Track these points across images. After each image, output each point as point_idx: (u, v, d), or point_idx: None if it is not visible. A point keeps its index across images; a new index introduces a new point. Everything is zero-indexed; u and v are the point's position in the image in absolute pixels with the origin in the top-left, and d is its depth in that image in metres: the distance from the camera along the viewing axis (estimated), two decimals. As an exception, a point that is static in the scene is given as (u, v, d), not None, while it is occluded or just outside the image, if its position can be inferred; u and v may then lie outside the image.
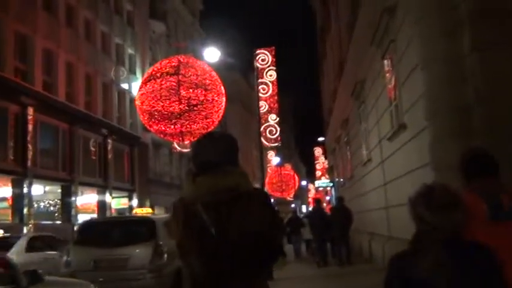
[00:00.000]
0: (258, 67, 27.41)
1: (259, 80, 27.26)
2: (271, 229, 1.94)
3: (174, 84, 9.48)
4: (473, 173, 2.49)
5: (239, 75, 48.78)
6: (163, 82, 9.56)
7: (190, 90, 9.43)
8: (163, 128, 10.15)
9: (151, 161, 28.97)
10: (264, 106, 26.67)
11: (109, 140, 23.27)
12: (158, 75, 9.96)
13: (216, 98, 9.79)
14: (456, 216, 1.81)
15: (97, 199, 22.87)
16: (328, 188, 32.60)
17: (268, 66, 26.85)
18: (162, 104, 9.49)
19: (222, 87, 10.31)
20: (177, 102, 9.41)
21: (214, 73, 10.32)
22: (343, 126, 16.02)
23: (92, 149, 22.24)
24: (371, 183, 11.12)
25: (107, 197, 22.96)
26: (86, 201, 22.98)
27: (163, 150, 30.39)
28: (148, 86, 9.97)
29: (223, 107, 10.21)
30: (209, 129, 9.85)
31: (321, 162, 51.04)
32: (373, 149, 10.45)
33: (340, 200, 13.01)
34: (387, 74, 8.20)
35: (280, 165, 44.15)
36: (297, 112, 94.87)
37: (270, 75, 26.87)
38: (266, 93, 26.83)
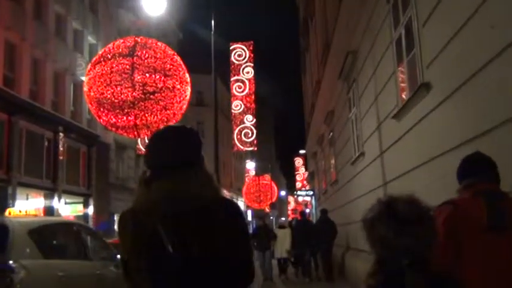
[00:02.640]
0: (233, 63, 25.10)
1: (235, 78, 24.88)
2: (242, 247, 1.71)
3: (128, 67, 8.19)
4: (468, 172, 2.29)
5: (217, 78, 46.19)
6: (114, 64, 8.27)
7: (147, 75, 8.17)
8: (113, 120, 8.69)
9: (113, 164, 26.13)
10: (239, 106, 24.17)
11: (60, 137, 20.37)
12: (109, 56, 8.59)
13: (178, 86, 8.51)
14: (426, 234, 1.50)
15: (43, 204, 19.88)
16: (308, 199, 30.05)
17: (246, 62, 24.40)
18: (112, 90, 8.15)
19: (187, 75, 8.96)
20: (130, 89, 8.10)
21: (178, 58, 8.72)
22: (327, 121, 13.54)
23: (43, 145, 19.35)
24: (362, 185, 8.62)
25: (55, 202, 20.00)
26: (31, 206, 20.00)
27: (128, 152, 27.60)
28: (97, 69, 8.58)
29: (188, 97, 8.86)
30: (169, 123, 8.62)
31: (301, 173, 49.05)
32: (368, 139, 7.97)
33: (324, 212, 12.62)
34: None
35: (258, 174, 41.90)
36: (278, 123, 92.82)
37: (247, 72, 24.39)
38: (242, 91, 24.33)
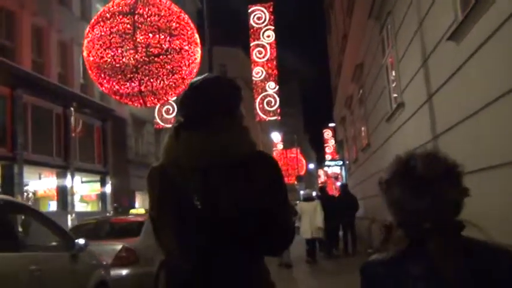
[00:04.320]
0: (253, 26, 23.31)
1: (254, 43, 23.11)
2: (277, 205, 1.58)
3: (129, 27, 7.41)
4: None
5: (238, 47, 44.30)
6: (113, 24, 7.51)
7: (150, 35, 7.38)
8: (116, 87, 7.91)
9: (131, 139, 24.93)
10: (260, 73, 22.44)
11: (71, 112, 19.18)
12: (108, 15, 7.78)
13: (186, 47, 7.67)
14: (449, 193, 1.29)
15: (56, 184, 18.81)
16: (337, 170, 28.30)
17: (266, 26, 22.57)
18: (112, 53, 7.41)
19: (196, 35, 8.15)
20: (132, 51, 7.34)
21: (185, 16, 8.06)
22: (355, 77, 11.76)
23: (52, 121, 18.23)
24: (402, 145, 6.94)
25: (68, 181, 18.90)
26: (44, 185, 19.05)
27: (147, 127, 26.32)
28: (95, 30, 7.84)
29: (198, 60, 8.05)
30: (178, 89, 7.89)
31: (331, 146, 47.19)
32: (409, 84, 6.26)
33: (344, 186, 12.97)
34: None
35: (286, 148, 40.58)
36: (306, 95, 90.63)
37: (268, 36, 22.56)
38: (263, 57, 22.54)
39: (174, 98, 18.60)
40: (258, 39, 22.66)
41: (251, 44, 22.86)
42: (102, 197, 21.85)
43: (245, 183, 1.53)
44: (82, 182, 21.16)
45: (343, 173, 22.65)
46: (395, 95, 7.28)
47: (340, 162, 21.72)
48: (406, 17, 6.11)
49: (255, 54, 22.85)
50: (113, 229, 6.92)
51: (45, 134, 17.77)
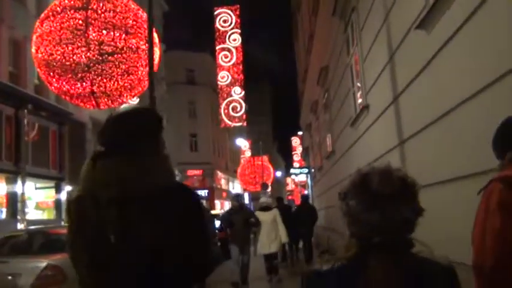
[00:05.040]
0: (219, 29, 22.73)
1: (220, 46, 22.55)
2: (195, 243, 1.58)
3: (81, 22, 7.15)
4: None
5: (207, 53, 43.56)
6: (64, 20, 7.17)
7: (104, 32, 7.12)
8: (66, 87, 7.48)
9: (90, 144, 23.80)
10: (226, 77, 21.94)
11: (24, 114, 18.07)
12: (59, 9, 7.42)
13: (143, 47, 7.38)
14: (401, 213, 1.31)
15: (5, 190, 17.64)
16: (303, 178, 27.84)
17: (232, 29, 22.10)
18: (62, 50, 7.08)
19: (155, 34, 7.80)
20: (83, 49, 7.07)
21: (143, 14, 7.68)
22: (320, 80, 11.25)
23: (1, 123, 17.14)
24: (367, 152, 6.41)
25: (18, 187, 17.75)
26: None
27: (107, 132, 25.26)
28: (45, 25, 7.43)
29: (157, 62, 7.84)
30: (134, 91, 7.69)
31: (299, 153, 46.83)
32: (374, 85, 5.75)
33: (305, 198, 13.13)
34: None
35: (254, 156, 40.02)
36: (276, 103, 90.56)
37: (234, 40, 22.12)
38: (229, 61, 22.07)
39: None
40: (224, 42, 22.13)
41: (217, 48, 22.33)
42: (57, 204, 20.72)
43: (159, 216, 1.50)
44: (36, 188, 20.02)
45: (309, 181, 22.17)
46: (359, 97, 6.75)
47: (306, 170, 21.21)
48: (371, 11, 5.58)
49: (220, 58, 22.31)
50: (42, 242, 6.10)
51: (-7, 137, 16.68)
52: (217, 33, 22.05)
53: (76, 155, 21.95)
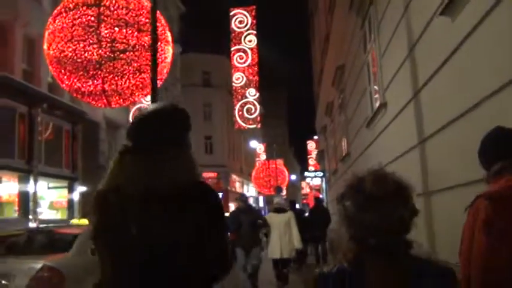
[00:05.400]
0: (234, 30, 22.49)
1: (235, 47, 22.31)
2: (214, 240, 1.59)
3: (93, 19, 7.01)
4: (496, 155, 1.84)
5: (223, 55, 43.48)
6: (76, 16, 7.05)
7: (116, 29, 6.97)
8: (77, 84, 7.37)
9: (103, 144, 23.81)
10: (240, 79, 21.68)
11: (37, 112, 18.03)
12: (71, 6, 7.35)
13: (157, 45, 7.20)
14: (396, 211, 1.36)
15: (17, 189, 17.56)
16: (318, 182, 27.40)
17: (247, 30, 21.85)
18: (73, 47, 6.97)
19: (168, 33, 7.77)
20: (95, 46, 6.92)
21: (156, 11, 7.43)
22: (336, 81, 10.87)
23: (14, 121, 17.08)
24: (384, 152, 6.04)
25: (31, 186, 17.68)
26: (5, 190, 17.80)
27: (121, 132, 25.17)
28: (57, 21, 7.34)
29: (169, 59, 7.60)
30: (146, 90, 7.44)
31: (314, 157, 46.35)
32: (392, 81, 5.38)
33: (319, 201, 13.51)
34: None
35: (269, 159, 39.72)
36: (292, 106, 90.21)
37: (249, 41, 21.86)
38: (244, 62, 21.81)
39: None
40: (239, 43, 21.89)
41: (232, 49, 22.08)
42: (70, 204, 20.64)
43: (182, 214, 1.51)
44: (49, 188, 19.98)
45: (324, 185, 21.77)
46: (376, 95, 6.39)
47: (320, 174, 20.87)
48: (390, 2, 5.23)
49: (235, 59, 22.07)
50: (43, 242, 5.85)
51: (6, 134, 16.61)
52: (233, 34, 21.81)
53: (89, 155, 21.88)
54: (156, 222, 1.51)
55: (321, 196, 20.32)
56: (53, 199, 20.43)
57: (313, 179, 29.79)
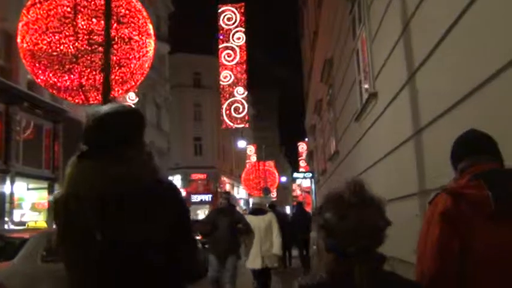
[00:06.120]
0: (222, 28, 21.89)
1: (223, 45, 21.70)
2: (178, 241, 1.58)
3: (69, 10, 6.54)
4: (463, 154, 1.88)
5: (215, 56, 42.87)
6: (52, 7, 6.59)
7: (94, 20, 6.49)
8: (53, 79, 6.85)
9: (86, 144, 23.10)
10: (228, 77, 21.06)
11: (15, 110, 17.33)
12: None
13: (137, 38, 6.78)
14: (372, 219, 1.42)
15: (-6, 189, 16.83)
16: (307, 184, 26.85)
17: (236, 27, 21.24)
18: (48, 39, 6.48)
19: (150, 26, 7.17)
20: (71, 38, 6.46)
21: (137, 3, 7.05)
22: (324, 75, 10.28)
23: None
24: (375, 147, 5.45)
25: (7, 187, 16.95)
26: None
27: (105, 132, 24.55)
28: (31, 12, 6.86)
29: (151, 54, 7.11)
30: (127, 85, 6.98)
31: (305, 159, 45.86)
32: (384, 67, 4.81)
33: (300, 204, 13.84)
34: None
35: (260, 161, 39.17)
36: (283, 107, 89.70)
37: (238, 39, 21.26)
38: (232, 60, 21.19)
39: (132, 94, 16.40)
40: (228, 41, 21.29)
41: (220, 46, 21.48)
42: (51, 205, 19.87)
43: (142, 212, 1.49)
44: (28, 189, 19.27)
45: (313, 187, 21.20)
46: (366, 86, 5.80)
47: (309, 175, 20.25)
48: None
49: (223, 57, 21.47)
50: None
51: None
52: (221, 32, 21.21)
53: (71, 155, 21.14)
54: (118, 224, 1.49)
55: (309, 199, 19.99)
56: (33, 200, 19.73)
57: (303, 181, 29.19)
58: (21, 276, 4.43)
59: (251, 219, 7.17)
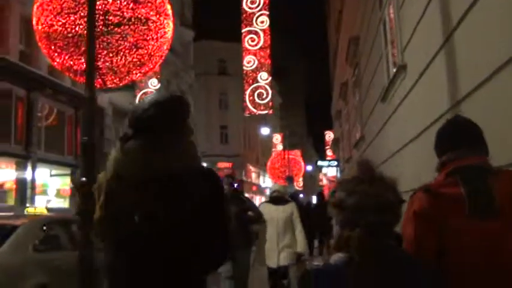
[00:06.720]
0: (245, 11, 21.25)
1: (247, 29, 21.06)
2: (215, 229, 1.64)
3: None
4: (446, 146, 1.83)
5: (238, 42, 42.29)
6: None
7: (109, 0, 5.83)
8: (69, 62, 6.32)
9: (110, 131, 22.91)
10: (252, 62, 20.41)
11: (37, 97, 17.21)
12: None
13: (154, 18, 6.22)
14: (383, 194, 1.42)
15: (15, 175, 16.77)
16: (333, 173, 26.13)
17: (259, 10, 20.55)
18: (63, 20, 5.93)
19: (168, 6, 6.63)
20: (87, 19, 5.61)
21: None
22: (349, 55, 9.58)
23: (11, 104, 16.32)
24: (404, 128, 4.81)
25: (28, 173, 16.88)
26: (4, 177, 17.07)
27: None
28: None
29: (169, 35, 6.51)
30: (145, 68, 6.49)
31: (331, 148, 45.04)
32: (414, 34, 4.13)
33: (320, 195, 13.22)
34: None
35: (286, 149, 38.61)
36: (311, 95, 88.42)
37: (262, 22, 20.57)
38: (255, 45, 20.53)
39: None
40: (251, 25, 20.65)
41: (243, 31, 20.84)
42: (73, 192, 19.80)
43: (181, 196, 1.57)
44: (51, 175, 19.24)
45: (339, 175, 20.46)
46: (394, 58, 5.16)
47: (335, 163, 19.35)
48: None
49: (247, 42, 20.84)
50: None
51: (2, 118, 15.80)
52: (244, 15, 20.58)
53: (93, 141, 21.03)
54: (157, 207, 1.55)
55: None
56: (57, 187, 19.74)
57: (329, 170, 28.45)
58: (8, 267, 4.01)
59: (268, 208, 6.15)
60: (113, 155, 1.71)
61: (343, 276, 1.36)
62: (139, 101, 22.21)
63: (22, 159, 16.65)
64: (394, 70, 4.92)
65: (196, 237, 1.57)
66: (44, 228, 4.75)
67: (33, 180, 16.87)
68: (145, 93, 21.57)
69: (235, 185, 6.52)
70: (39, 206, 14.88)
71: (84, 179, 3.46)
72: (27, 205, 16.20)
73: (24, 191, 16.63)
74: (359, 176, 1.46)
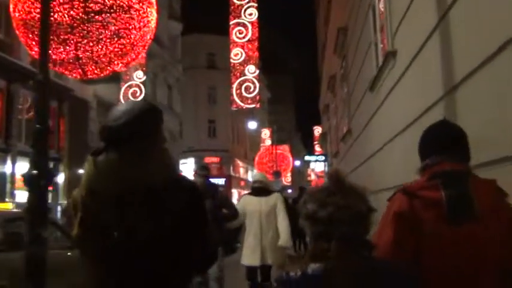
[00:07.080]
0: (234, 3, 20.86)
1: (235, 21, 20.67)
2: (194, 235, 1.63)
3: None
4: (429, 150, 1.83)
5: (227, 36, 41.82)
6: None
7: None
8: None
9: (94, 124, 22.42)
10: (239, 55, 20.01)
11: (17, 88, 16.74)
12: None
13: (137, 6, 6.12)
14: (354, 205, 1.41)
15: (-5, 169, 16.31)
16: (321, 168, 25.92)
17: (248, 2, 20.15)
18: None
19: None
20: (66, 6, 5.83)
21: None
22: (338, 46, 9.29)
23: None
24: (393, 118, 4.53)
25: (8, 166, 16.42)
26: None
27: (113, 112, 23.82)
28: None
29: (153, 24, 6.47)
30: (127, 58, 6.43)
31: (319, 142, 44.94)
32: (405, 17, 3.82)
33: (302, 189, 12.87)
34: None
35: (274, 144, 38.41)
36: (300, 90, 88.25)
37: (250, 15, 20.17)
38: (243, 37, 20.13)
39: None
40: (239, 17, 20.26)
41: (231, 23, 20.43)
42: (54, 187, 19.32)
43: (159, 211, 1.53)
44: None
45: (326, 170, 20.21)
46: (382, 46, 4.87)
47: (322, 158, 19.02)
48: None
49: (234, 34, 20.44)
50: None
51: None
52: (232, 7, 20.20)
53: (77, 135, 20.55)
54: (134, 221, 1.52)
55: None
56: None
57: (317, 165, 28.20)
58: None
59: (249, 200, 5.62)
60: (86, 171, 1.63)
61: (321, 286, 1.36)
62: (122, 96, 21.82)
63: (1, 153, 16.19)
64: (383, 57, 4.63)
65: (176, 250, 1.56)
66: (5, 226, 4.41)
67: (13, 174, 16.41)
68: (130, 86, 21.14)
69: (210, 179, 5.94)
70: (4, 201, 14.38)
71: (35, 172, 3.13)
72: (6, 199, 15.75)
73: (4, 185, 16.18)
74: (329, 187, 1.45)
